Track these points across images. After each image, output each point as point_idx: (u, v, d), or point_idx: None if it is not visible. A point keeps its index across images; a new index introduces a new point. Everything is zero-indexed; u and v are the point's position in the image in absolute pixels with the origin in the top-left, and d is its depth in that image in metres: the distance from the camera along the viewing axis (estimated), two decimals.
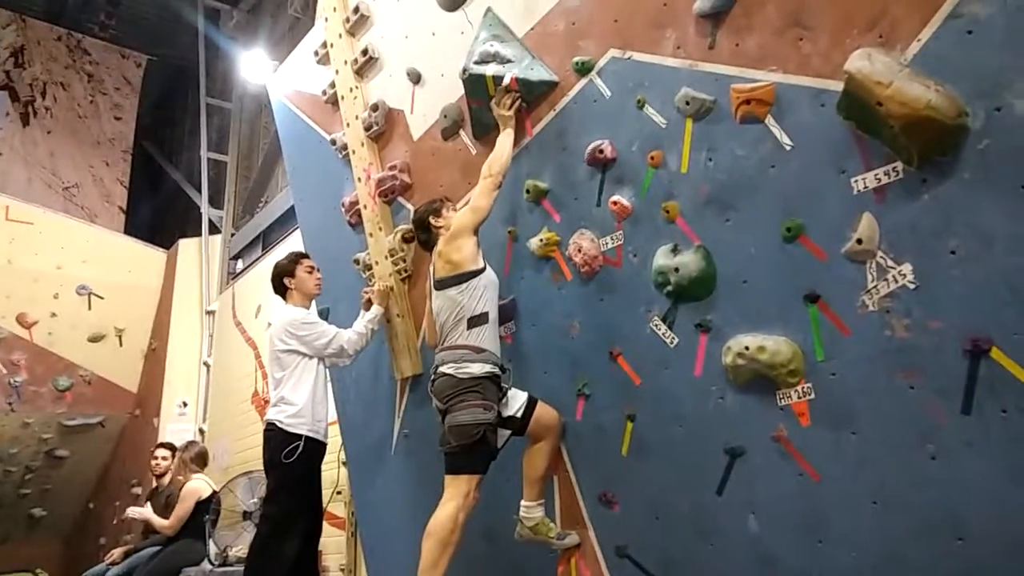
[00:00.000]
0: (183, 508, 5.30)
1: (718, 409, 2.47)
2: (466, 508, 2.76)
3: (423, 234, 3.21)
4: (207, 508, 5.25)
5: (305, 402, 3.62)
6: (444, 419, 2.85)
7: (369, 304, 3.79)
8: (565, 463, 3.01)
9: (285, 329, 3.70)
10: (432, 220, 3.15)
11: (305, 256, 4.00)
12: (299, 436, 3.57)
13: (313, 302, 4.07)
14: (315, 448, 3.67)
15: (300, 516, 3.61)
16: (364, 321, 3.73)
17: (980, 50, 1.89)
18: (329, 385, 3.94)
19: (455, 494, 2.77)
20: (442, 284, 2.98)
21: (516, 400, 2.94)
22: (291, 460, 3.52)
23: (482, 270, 2.97)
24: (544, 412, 2.96)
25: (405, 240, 3.71)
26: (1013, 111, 1.83)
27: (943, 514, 1.94)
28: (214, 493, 5.36)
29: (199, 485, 5.44)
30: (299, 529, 3.59)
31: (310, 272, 3.89)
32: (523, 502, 2.94)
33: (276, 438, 3.58)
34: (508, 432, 2.92)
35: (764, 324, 2.34)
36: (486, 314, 2.92)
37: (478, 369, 2.82)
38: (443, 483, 2.82)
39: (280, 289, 3.89)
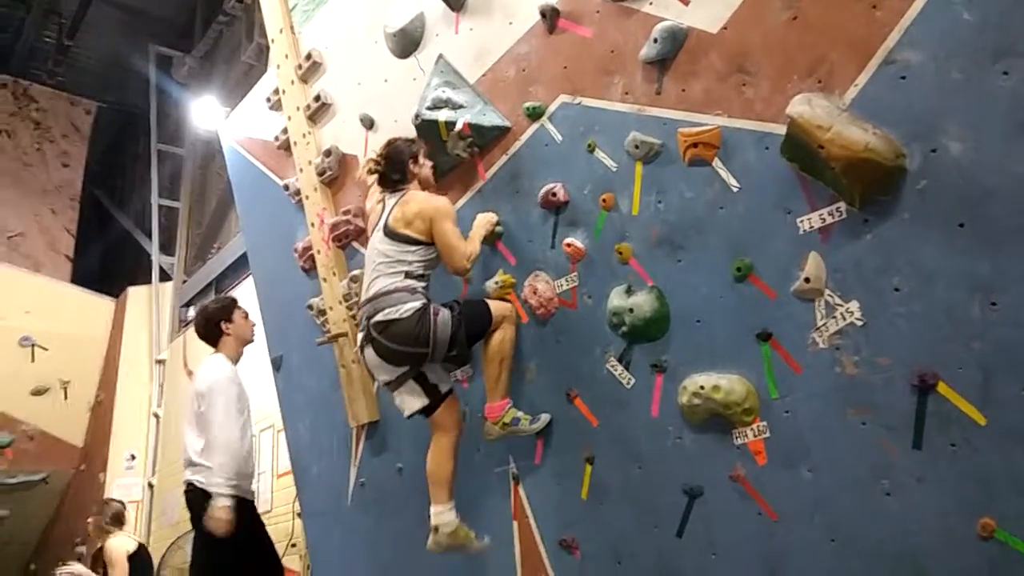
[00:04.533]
0: (120, 570, 5.06)
1: (676, 449, 2.46)
2: (511, 326, 2.86)
3: (395, 174, 2.95)
4: (141, 563, 5.03)
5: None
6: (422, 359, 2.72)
7: None
8: (524, 508, 2.96)
9: (211, 387, 3.53)
10: (411, 165, 2.97)
11: (236, 301, 3.84)
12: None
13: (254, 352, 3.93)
14: (241, 507, 3.49)
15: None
16: None
17: (914, 94, 1.96)
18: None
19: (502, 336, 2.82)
20: (391, 234, 2.80)
21: (446, 384, 2.89)
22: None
23: (433, 245, 2.80)
24: (457, 404, 2.92)
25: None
26: (948, 152, 1.90)
27: (900, 550, 1.95)
28: (141, 546, 5.18)
29: (122, 541, 5.21)
30: None
31: (246, 318, 3.75)
32: (433, 508, 2.76)
33: (196, 499, 3.45)
34: (421, 404, 2.80)
35: (718, 363, 2.35)
36: (427, 275, 2.84)
37: (418, 303, 2.71)
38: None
39: (213, 334, 3.66)
